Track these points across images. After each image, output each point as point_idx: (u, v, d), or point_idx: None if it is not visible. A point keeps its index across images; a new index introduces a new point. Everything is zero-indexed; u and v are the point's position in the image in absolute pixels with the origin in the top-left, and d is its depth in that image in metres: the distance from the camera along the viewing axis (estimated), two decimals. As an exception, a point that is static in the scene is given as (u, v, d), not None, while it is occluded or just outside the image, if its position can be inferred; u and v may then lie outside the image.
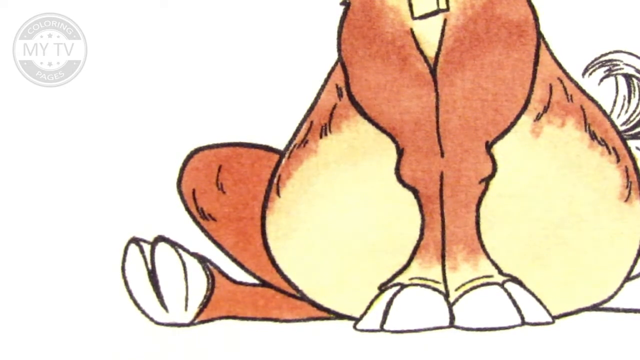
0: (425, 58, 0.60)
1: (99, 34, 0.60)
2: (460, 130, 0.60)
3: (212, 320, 0.61)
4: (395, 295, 0.61)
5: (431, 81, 0.60)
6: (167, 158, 0.60)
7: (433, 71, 0.60)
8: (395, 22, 0.60)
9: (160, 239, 0.61)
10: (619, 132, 0.61)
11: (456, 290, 0.61)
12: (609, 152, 0.60)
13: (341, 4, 0.60)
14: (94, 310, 0.61)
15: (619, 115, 0.61)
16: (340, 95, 0.60)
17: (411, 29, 0.60)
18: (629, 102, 0.61)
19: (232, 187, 0.61)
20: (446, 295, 0.61)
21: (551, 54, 0.60)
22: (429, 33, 0.60)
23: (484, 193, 0.60)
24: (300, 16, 0.60)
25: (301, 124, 0.61)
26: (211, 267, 0.61)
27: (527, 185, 0.60)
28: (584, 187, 0.60)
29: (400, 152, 0.60)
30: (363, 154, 0.61)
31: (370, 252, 0.61)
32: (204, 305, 0.61)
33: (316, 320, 0.61)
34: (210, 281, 0.61)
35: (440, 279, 0.61)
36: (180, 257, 0.61)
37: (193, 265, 0.61)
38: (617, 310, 0.61)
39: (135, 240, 0.61)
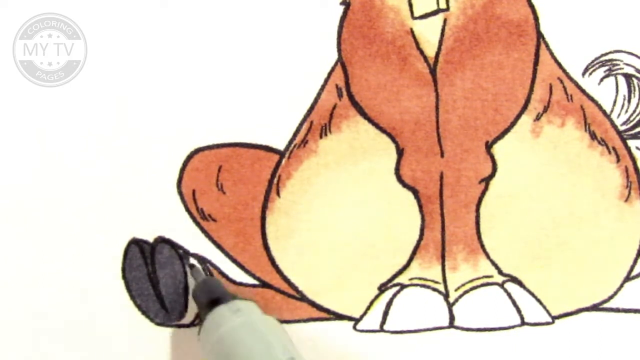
0: (425, 58, 0.60)
1: (99, 34, 0.60)
2: (460, 130, 0.60)
3: (212, 320, 0.61)
4: (395, 295, 0.61)
5: (431, 81, 0.60)
6: (167, 158, 0.60)
7: (433, 71, 0.60)
8: (395, 22, 0.60)
9: (161, 239, 0.61)
10: (619, 132, 0.61)
11: (456, 290, 0.61)
12: (609, 152, 0.60)
13: (341, 3, 0.60)
14: (94, 310, 0.61)
15: (619, 115, 0.61)
16: (340, 95, 0.60)
17: (411, 29, 0.60)
18: (629, 102, 0.61)
19: (232, 187, 0.61)
20: (446, 296, 0.61)
21: (551, 54, 0.60)
22: (429, 33, 0.60)
23: (484, 193, 0.60)
24: (300, 16, 0.60)
25: (301, 124, 0.61)
26: (211, 267, 0.61)
27: (527, 185, 0.60)
28: (584, 187, 0.60)
29: (400, 152, 0.60)
30: (363, 154, 0.61)
31: (370, 252, 0.61)
32: (204, 305, 0.61)
33: (316, 321, 0.61)
34: (210, 282, 0.61)
35: (440, 279, 0.61)
36: (180, 257, 0.61)
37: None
38: (617, 310, 0.61)
39: (136, 241, 0.61)
